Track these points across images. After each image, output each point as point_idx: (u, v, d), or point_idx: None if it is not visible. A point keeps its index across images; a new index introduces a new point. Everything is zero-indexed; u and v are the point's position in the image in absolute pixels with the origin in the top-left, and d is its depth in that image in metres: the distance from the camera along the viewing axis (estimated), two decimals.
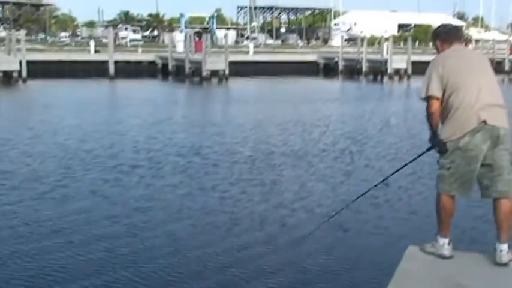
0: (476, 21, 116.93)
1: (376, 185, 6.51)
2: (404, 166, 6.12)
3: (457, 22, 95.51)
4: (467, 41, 73.12)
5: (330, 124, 20.55)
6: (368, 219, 9.55)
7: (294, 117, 22.36)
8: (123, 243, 8.38)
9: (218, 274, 7.42)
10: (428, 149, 5.34)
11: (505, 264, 4.96)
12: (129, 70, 43.79)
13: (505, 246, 4.99)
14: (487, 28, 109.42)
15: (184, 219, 9.49)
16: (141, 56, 49.97)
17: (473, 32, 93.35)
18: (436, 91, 5.00)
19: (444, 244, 5.16)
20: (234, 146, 15.93)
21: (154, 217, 9.57)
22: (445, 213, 5.14)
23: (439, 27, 5.48)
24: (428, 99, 5.04)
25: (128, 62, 45.75)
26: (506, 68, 52.97)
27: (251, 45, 58.58)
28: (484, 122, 4.89)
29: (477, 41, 74.73)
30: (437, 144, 5.06)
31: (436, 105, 4.99)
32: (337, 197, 10.81)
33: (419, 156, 5.69)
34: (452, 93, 4.96)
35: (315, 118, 22.12)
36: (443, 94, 5.01)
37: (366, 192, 6.55)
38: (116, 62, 42.96)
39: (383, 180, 6.37)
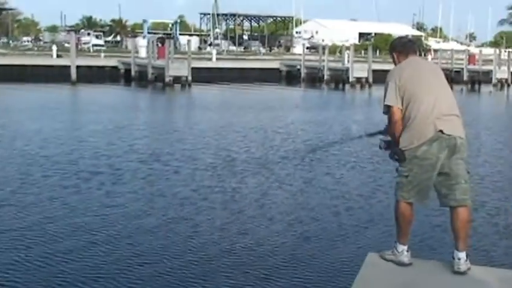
0: (435, 32, 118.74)
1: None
2: (354, 138, 6.19)
3: (416, 32, 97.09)
4: (426, 51, 74.48)
5: (291, 131, 20.66)
6: (328, 227, 9.63)
7: (255, 124, 22.44)
8: (82, 253, 8.27)
9: (177, 284, 7.37)
10: (373, 134, 5.61)
11: (463, 273, 5.04)
12: (92, 75, 43.50)
13: (462, 255, 5.08)
14: (445, 38, 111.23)
15: (145, 227, 9.42)
16: (103, 61, 49.72)
17: (432, 42, 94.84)
18: (395, 102, 5.12)
19: (403, 251, 5.24)
20: (196, 153, 15.90)
21: (112, 224, 9.48)
22: (403, 221, 5.22)
23: (395, 40, 5.66)
24: (390, 109, 5.14)
25: (90, 67, 45.49)
26: (465, 78, 53.94)
27: (214, 51, 58.62)
28: (441, 131, 5.01)
29: (436, 51, 75.96)
30: (396, 152, 5.15)
31: (399, 114, 5.10)
32: (297, 205, 10.87)
33: (370, 135, 5.82)
34: (409, 104, 5.07)
35: (277, 125, 22.22)
36: (402, 104, 5.11)
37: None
38: (78, 67, 42.66)
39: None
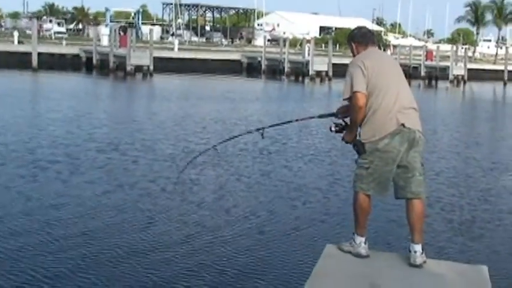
0: (394, 28, 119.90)
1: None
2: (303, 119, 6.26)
3: (376, 27, 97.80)
4: (386, 46, 75.19)
5: (250, 123, 20.69)
6: (285, 219, 9.71)
7: (215, 115, 22.43)
8: (35, 241, 8.21)
9: (131, 275, 7.30)
10: (325, 116, 5.68)
11: (419, 266, 5.12)
12: (53, 62, 43.00)
13: (418, 247, 5.14)
14: (404, 34, 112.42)
15: (100, 217, 9.36)
16: (65, 48, 49.17)
17: (391, 38, 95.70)
18: (362, 87, 5.04)
19: (361, 243, 5.29)
20: (155, 143, 15.83)
21: (69, 214, 9.40)
22: (361, 212, 5.27)
23: (354, 30, 5.53)
24: (356, 95, 5.05)
25: (51, 55, 44.99)
26: (422, 73, 54.69)
27: (176, 41, 58.26)
28: (403, 125, 5.05)
29: (394, 46, 76.84)
30: (356, 144, 5.18)
31: (364, 99, 5.03)
32: (255, 198, 10.95)
33: (321, 116, 5.80)
34: (372, 95, 5.06)
35: (236, 117, 22.27)
36: None
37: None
38: (39, 54, 42.13)
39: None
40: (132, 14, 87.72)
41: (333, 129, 5.43)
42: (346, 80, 5.17)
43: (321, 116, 5.79)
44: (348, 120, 5.33)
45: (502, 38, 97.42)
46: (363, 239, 5.31)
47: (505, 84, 56.39)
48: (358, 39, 5.37)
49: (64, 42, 53.18)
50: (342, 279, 4.96)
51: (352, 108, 5.14)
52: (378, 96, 5.06)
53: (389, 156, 5.09)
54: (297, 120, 6.25)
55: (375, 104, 5.06)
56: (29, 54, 41.71)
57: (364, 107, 5.04)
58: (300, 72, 49.82)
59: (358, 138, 5.18)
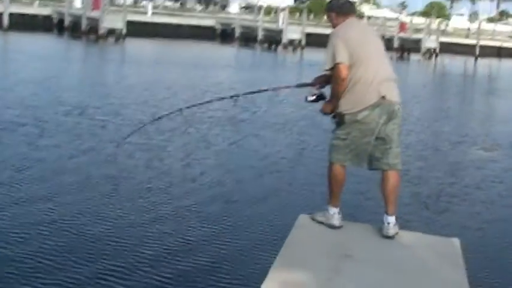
0: None
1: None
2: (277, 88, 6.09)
3: None
4: (360, 17, 74.96)
5: (221, 90, 20.51)
6: (253, 190, 9.62)
7: (186, 81, 22.21)
8: None
9: (92, 241, 7.14)
10: (302, 85, 5.52)
11: (391, 237, 5.12)
12: (24, 23, 42.19)
13: (391, 219, 5.13)
14: (378, 6, 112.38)
15: (63, 181, 9.16)
16: (37, 9, 48.18)
17: (365, 9, 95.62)
18: (344, 58, 4.94)
19: (334, 214, 5.25)
20: (124, 108, 15.62)
21: (31, 177, 9.21)
22: (336, 183, 5.23)
23: (332, 0, 5.37)
24: (337, 66, 4.96)
25: (23, 15, 44.04)
26: (395, 45, 54.75)
27: (150, 5, 57.52)
28: (383, 97, 5.00)
29: (369, 17, 76.78)
30: (336, 115, 5.12)
31: (346, 71, 4.94)
32: (221, 166, 10.84)
33: (299, 86, 5.66)
34: (353, 66, 4.98)
35: (207, 83, 22.06)
36: None
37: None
38: (10, 14, 41.16)
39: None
40: None
41: (309, 98, 5.35)
42: (327, 51, 5.07)
43: (298, 86, 5.69)
44: (323, 90, 5.27)
45: (475, 12, 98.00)
46: (337, 210, 5.28)
47: (476, 58, 56.77)
48: (338, 9, 5.25)
49: (36, 2, 52.10)
50: (314, 249, 4.92)
51: (334, 80, 5.05)
52: (359, 67, 4.99)
53: (368, 128, 5.05)
54: (274, 89, 6.14)
55: (355, 75, 4.99)
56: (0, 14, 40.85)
57: (346, 79, 4.98)
58: (273, 40, 49.58)
59: (337, 109, 5.11)
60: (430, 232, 7.58)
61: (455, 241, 5.33)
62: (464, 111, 22.69)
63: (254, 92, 6.03)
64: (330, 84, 5.15)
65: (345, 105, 5.07)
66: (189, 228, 7.75)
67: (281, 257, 4.72)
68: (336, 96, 5.10)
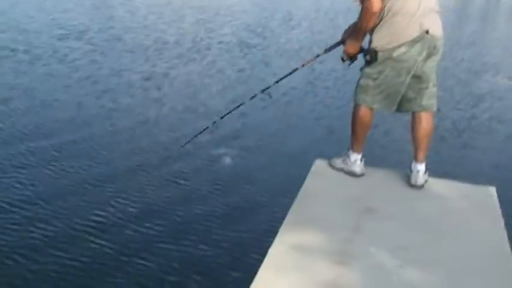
0: None
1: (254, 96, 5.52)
2: (292, 72, 5.21)
3: None
4: None
5: (234, 14, 19.51)
6: (273, 135, 8.66)
7: (196, 3, 21.10)
8: None
9: (86, 170, 6.59)
10: (333, 47, 4.64)
11: (420, 187, 4.46)
12: None
13: (421, 167, 4.46)
14: None
15: (54, 112, 8.48)
16: None
17: None
18: None
19: (356, 160, 4.59)
20: (126, 32, 14.69)
21: (17, 109, 8.50)
22: (361, 127, 4.54)
23: None
24: None
25: None
26: None
27: None
28: (427, 31, 4.21)
29: None
30: (368, 52, 4.33)
31: (379, 4, 4.16)
32: (226, 97, 9.99)
33: (329, 50, 4.75)
34: None
35: (218, 5, 20.99)
36: None
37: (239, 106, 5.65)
38: None
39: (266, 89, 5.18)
40: None
41: (345, 58, 4.53)
42: None
43: (327, 51, 4.82)
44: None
45: None
46: (359, 157, 4.60)
47: None
48: None
49: None
50: (331, 202, 4.20)
51: (363, 12, 4.20)
52: None
53: (403, 66, 4.26)
54: (303, 65, 5.20)
55: (395, 5, 4.19)
56: None
57: (378, 13, 4.18)
58: None
59: (369, 45, 4.31)
60: (455, 175, 6.86)
61: (492, 190, 4.61)
62: (488, 38, 21.55)
63: (284, 77, 5.21)
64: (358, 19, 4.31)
65: (380, 41, 4.25)
66: (196, 174, 7.06)
67: (293, 213, 3.96)
68: (362, 33, 4.31)
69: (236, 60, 12.66)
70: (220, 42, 14.01)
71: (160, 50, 12.91)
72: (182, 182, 6.72)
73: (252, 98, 5.37)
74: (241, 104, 5.67)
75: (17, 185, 6.24)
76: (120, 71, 10.90)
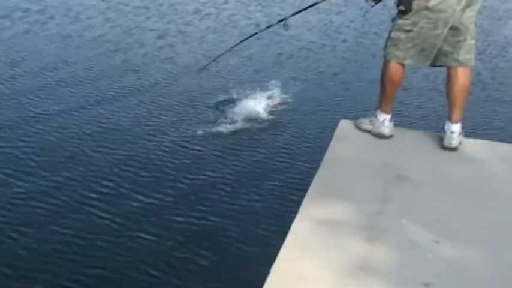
0: None
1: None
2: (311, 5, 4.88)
3: None
4: None
5: None
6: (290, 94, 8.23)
7: None
8: None
9: (87, 156, 6.20)
10: None
11: (455, 149, 4.12)
12: None
13: (456, 127, 4.12)
14: None
15: (60, 73, 8.23)
16: None
17: None
18: None
19: (385, 121, 4.24)
20: None
21: (24, 72, 8.22)
22: (391, 84, 4.16)
23: None
24: None
25: None
26: None
27: None
28: None
29: None
30: (402, 1, 3.92)
31: None
32: (242, 54, 9.55)
33: None
34: None
35: None
36: None
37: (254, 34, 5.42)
38: None
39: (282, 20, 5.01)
40: None
41: (370, 2, 4.19)
42: None
43: None
44: None
45: None
46: (388, 117, 4.24)
47: None
48: None
49: None
50: (360, 168, 3.87)
51: None
52: None
53: (440, 17, 3.87)
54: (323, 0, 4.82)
55: None
56: None
57: None
58: None
59: None
60: (482, 132, 6.49)
61: None
62: None
63: (304, 9, 4.89)
64: None
65: None
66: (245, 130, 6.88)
67: (316, 182, 3.66)
68: None
69: (253, 14, 12.19)
70: None
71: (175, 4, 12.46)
72: (190, 146, 6.45)
73: (268, 27, 5.35)
74: (256, 33, 5.88)
75: (20, 154, 6.04)
76: (133, 28, 10.53)
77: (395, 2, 3.98)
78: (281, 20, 4.94)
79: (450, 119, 4.11)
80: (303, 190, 3.58)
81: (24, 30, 10.09)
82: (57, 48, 9.28)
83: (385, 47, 4.11)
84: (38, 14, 11.06)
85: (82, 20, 10.87)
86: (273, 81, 8.07)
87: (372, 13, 9.18)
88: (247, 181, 5.80)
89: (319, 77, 8.78)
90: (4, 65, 8.41)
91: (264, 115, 7.25)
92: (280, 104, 7.63)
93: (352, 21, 11.43)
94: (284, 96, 7.80)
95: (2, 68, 8.31)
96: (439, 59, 4.08)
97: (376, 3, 4.19)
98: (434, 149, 4.16)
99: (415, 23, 3.93)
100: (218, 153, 6.33)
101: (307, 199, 3.44)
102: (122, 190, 5.48)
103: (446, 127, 4.13)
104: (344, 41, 10.41)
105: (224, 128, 6.85)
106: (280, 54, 9.58)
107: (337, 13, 12.08)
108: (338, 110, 7.47)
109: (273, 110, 7.44)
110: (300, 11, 4.95)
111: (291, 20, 4.89)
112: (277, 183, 5.78)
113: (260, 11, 12.44)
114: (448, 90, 4.13)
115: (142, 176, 5.76)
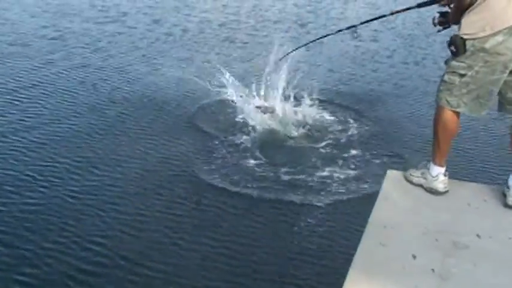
0: None
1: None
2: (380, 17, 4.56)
3: None
4: None
5: None
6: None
7: None
8: None
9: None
10: (425, 4, 3.91)
11: None
12: None
13: None
14: None
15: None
16: None
17: None
18: None
19: (439, 175, 3.72)
20: None
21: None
22: (445, 134, 3.67)
23: None
24: None
25: None
26: None
27: None
28: None
29: None
30: (453, 41, 3.45)
31: None
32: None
33: (421, 5, 4.05)
34: None
35: None
36: None
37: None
38: None
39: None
40: None
41: (436, 21, 3.74)
42: None
43: (419, 5, 4.03)
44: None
45: None
46: (443, 170, 3.73)
47: None
48: None
49: None
50: (411, 233, 3.33)
51: None
52: None
53: (499, 60, 3.37)
54: (391, 13, 4.45)
55: None
56: None
57: None
58: None
59: (457, 32, 3.45)
60: None
61: None
62: None
63: (372, 20, 4.73)
64: None
65: (470, 27, 3.38)
66: None
67: (361, 255, 3.12)
68: (459, 8, 3.42)
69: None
70: None
71: None
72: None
73: (338, 31, 5.20)
74: (328, 35, 5.91)
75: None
76: None
77: (447, 42, 3.50)
78: (351, 27, 4.75)
79: None
80: None
81: None
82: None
83: (438, 91, 3.61)
84: None
85: None
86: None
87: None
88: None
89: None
90: None
91: None
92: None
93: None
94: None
95: None
96: (504, 108, 3.59)
97: (443, 29, 3.76)
98: (496, 207, 3.61)
99: (470, 67, 3.43)
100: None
101: (350, 276, 2.93)
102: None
103: (509, 182, 3.60)
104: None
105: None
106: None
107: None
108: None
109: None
110: (370, 20, 4.76)
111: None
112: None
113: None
114: None
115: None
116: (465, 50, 3.39)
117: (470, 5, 3.35)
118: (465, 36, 3.39)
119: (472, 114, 3.63)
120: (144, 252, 4.55)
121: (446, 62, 3.57)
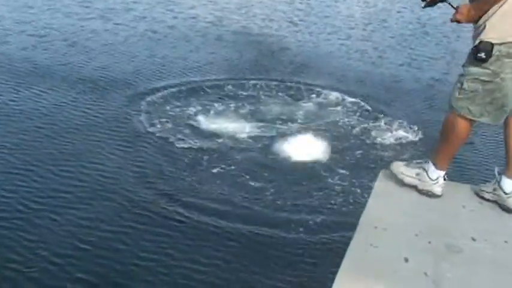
0: None
1: None
2: None
3: None
4: None
5: None
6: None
7: None
8: None
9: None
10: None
11: None
12: None
13: None
14: None
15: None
16: None
17: None
18: None
19: (439, 179, 3.55)
20: None
21: None
22: (457, 141, 3.48)
23: None
24: None
25: None
26: None
27: None
28: None
29: None
30: (481, 48, 3.20)
31: None
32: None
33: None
34: None
35: None
36: None
37: None
38: None
39: None
40: None
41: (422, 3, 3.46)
42: None
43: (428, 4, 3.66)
44: None
45: None
46: (442, 174, 3.55)
47: None
48: None
49: None
50: (405, 234, 3.18)
51: None
52: None
53: None
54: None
55: None
56: None
57: None
58: None
59: (482, 37, 3.20)
60: None
61: None
62: None
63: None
64: None
65: (497, 31, 3.16)
66: None
67: (350, 256, 2.95)
68: (478, 8, 3.21)
69: None
70: None
71: None
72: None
73: None
74: None
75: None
76: None
77: (471, 49, 3.26)
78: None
79: (508, 175, 3.47)
80: None
81: None
82: None
83: (455, 99, 3.37)
84: None
85: None
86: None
87: None
88: None
89: None
90: None
91: None
92: None
93: None
94: None
95: None
96: None
97: (427, 6, 3.47)
98: (492, 210, 3.49)
99: (495, 74, 3.22)
100: None
101: (339, 278, 2.77)
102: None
103: (501, 184, 3.47)
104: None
105: None
106: None
107: None
108: None
109: None
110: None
111: None
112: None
113: None
114: (508, 142, 3.47)
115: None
116: (490, 55, 3.18)
117: (492, 12, 3.15)
118: (491, 40, 3.17)
119: (492, 123, 3.43)
120: (106, 275, 4.23)
121: (463, 67, 3.34)
